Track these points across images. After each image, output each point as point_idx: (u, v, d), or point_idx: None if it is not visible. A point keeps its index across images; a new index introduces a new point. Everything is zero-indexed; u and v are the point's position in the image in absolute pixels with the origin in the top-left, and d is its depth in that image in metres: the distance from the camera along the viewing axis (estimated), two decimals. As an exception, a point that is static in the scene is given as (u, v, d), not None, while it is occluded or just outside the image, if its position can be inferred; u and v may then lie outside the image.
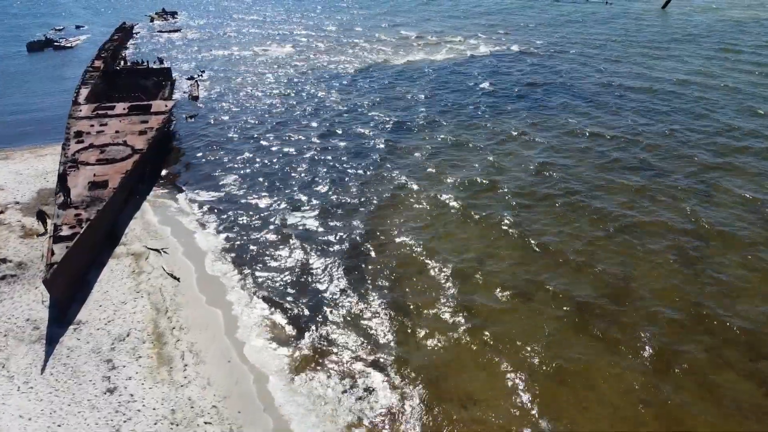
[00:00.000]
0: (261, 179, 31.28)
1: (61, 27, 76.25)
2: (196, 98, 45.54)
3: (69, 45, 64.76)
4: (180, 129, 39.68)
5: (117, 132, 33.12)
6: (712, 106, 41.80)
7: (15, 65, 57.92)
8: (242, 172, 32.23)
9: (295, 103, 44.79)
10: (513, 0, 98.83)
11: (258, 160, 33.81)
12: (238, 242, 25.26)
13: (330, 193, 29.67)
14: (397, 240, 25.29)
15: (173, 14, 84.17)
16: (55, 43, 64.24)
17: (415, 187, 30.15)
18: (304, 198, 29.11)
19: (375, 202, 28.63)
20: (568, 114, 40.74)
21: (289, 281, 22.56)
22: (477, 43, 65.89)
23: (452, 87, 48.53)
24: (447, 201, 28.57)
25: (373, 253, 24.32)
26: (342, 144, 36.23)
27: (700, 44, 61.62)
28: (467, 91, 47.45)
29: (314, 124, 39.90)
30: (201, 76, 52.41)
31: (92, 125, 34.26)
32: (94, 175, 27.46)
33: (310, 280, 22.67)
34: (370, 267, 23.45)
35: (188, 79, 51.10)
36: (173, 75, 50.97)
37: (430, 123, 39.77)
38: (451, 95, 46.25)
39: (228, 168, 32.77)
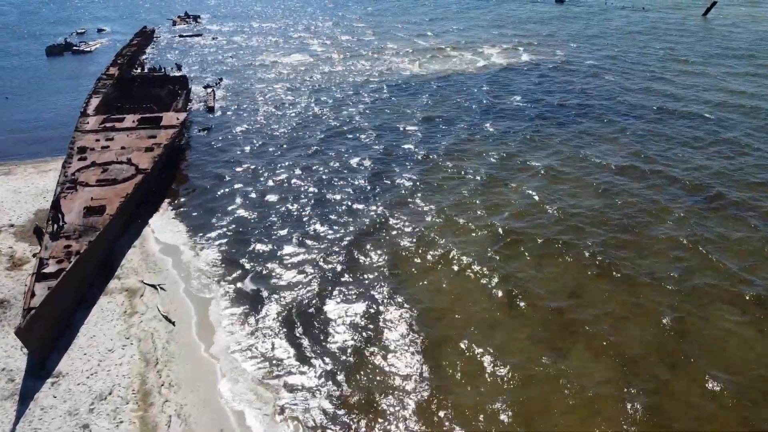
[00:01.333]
0: (277, 206, 28.67)
1: (83, 30, 75.34)
2: (211, 109, 43.52)
3: (88, 49, 63.55)
4: (192, 143, 37.64)
5: (122, 148, 31.15)
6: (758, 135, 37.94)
7: (32, 70, 56.77)
8: (256, 196, 29.75)
9: (313, 117, 42.41)
10: (546, 9, 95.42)
11: (273, 183, 31.30)
12: (248, 280, 22.84)
13: (351, 230, 26.99)
14: (423, 302, 22.70)
15: (196, 18, 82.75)
16: (74, 48, 63.07)
17: (438, 239, 27.51)
18: (322, 230, 26.50)
19: (399, 242, 25.96)
20: (595, 143, 37.49)
21: (305, 336, 19.93)
22: (512, 54, 62.92)
23: (482, 102, 45.76)
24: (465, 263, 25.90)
25: (397, 308, 21.76)
26: (362, 167, 33.70)
27: (743, 59, 57.57)
28: (491, 108, 44.63)
29: (333, 143, 37.39)
30: (218, 84, 50.48)
31: (98, 140, 32.35)
32: (92, 198, 25.41)
33: (330, 338, 19.92)
34: (399, 332, 20.86)
35: (205, 87, 49.19)
36: (189, 83, 49.27)
37: (467, 149, 36.98)
38: (480, 114, 43.47)
39: (241, 191, 30.35)
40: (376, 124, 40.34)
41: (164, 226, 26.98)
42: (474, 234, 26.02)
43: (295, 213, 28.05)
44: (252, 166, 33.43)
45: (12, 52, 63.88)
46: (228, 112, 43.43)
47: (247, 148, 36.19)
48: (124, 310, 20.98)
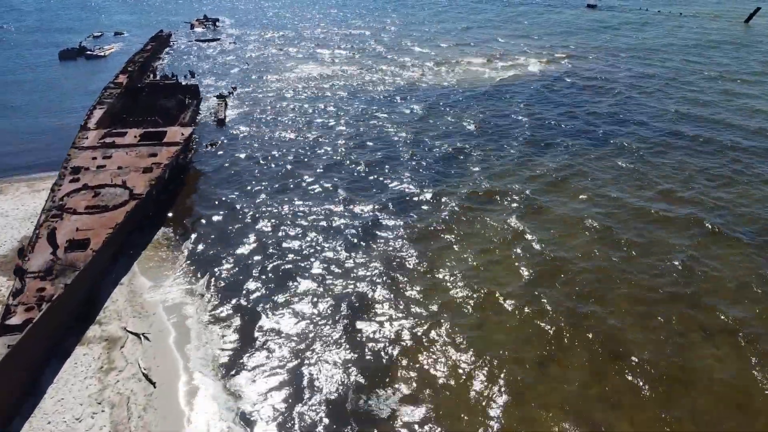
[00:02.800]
0: (289, 241, 25.82)
1: (100, 33, 73.81)
2: (221, 122, 41.07)
3: (102, 54, 61.80)
4: (198, 159, 35.16)
5: (119, 168, 28.72)
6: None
7: (43, 75, 55.08)
8: (265, 227, 26.97)
9: (330, 132, 39.70)
10: (578, 15, 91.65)
11: (285, 211, 28.44)
12: (249, 330, 20.12)
13: (367, 274, 24.31)
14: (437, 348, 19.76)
15: (215, 22, 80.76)
16: (87, 52, 61.33)
17: (466, 285, 24.52)
18: (339, 272, 23.80)
19: (412, 290, 23.15)
20: (620, 179, 34.15)
21: (315, 408, 17.23)
22: (544, 66, 59.59)
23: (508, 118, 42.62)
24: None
25: (407, 370, 18.88)
26: (381, 196, 30.88)
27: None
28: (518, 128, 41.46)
29: (351, 162, 34.65)
30: (231, 94, 48.08)
31: (94, 158, 29.98)
32: (77, 229, 22.94)
33: (354, 418, 17.20)
34: (411, 392, 17.98)
35: (217, 97, 46.80)
36: (201, 92, 46.96)
37: (495, 174, 34.04)
38: (510, 138, 40.35)
39: (248, 220, 27.63)
40: (402, 141, 37.47)
41: (158, 260, 24.41)
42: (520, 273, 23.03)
43: (310, 250, 25.19)
44: (262, 191, 30.68)
45: (27, 56, 62.47)
46: (239, 126, 40.90)
47: (258, 169, 33.44)
48: (100, 365, 18.41)
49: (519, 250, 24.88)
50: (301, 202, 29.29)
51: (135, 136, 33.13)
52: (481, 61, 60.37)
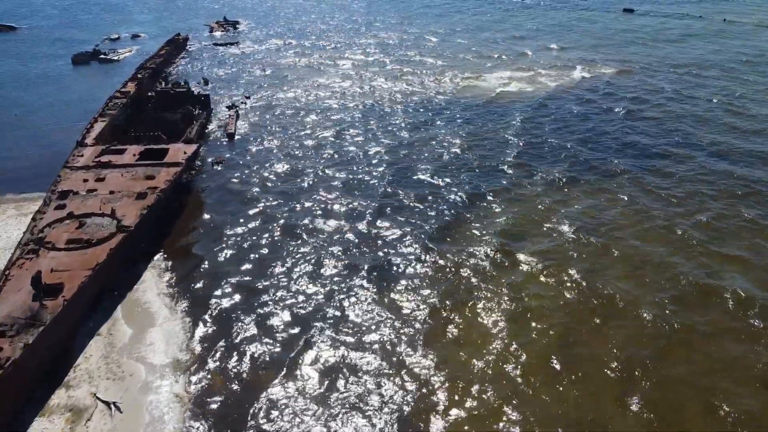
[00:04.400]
0: (299, 287, 22.70)
1: (117, 35, 71.91)
2: (231, 136, 38.30)
3: (116, 58, 59.74)
4: (203, 180, 32.42)
5: (111, 193, 26.06)
6: None
7: (54, 80, 53.08)
8: (273, 265, 23.88)
9: (349, 152, 36.60)
10: (614, 19, 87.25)
11: (294, 247, 25.30)
12: (245, 398, 17.23)
13: (384, 322, 21.23)
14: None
15: (235, 24, 78.34)
16: (101, 56, 59.27)
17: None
18: (350, 327, 20.75)
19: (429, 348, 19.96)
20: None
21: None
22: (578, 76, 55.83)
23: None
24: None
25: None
26: (398, 233, 27.75)
27: None
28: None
29: (372, 188, 31.49)
30: (245, 104, 45.36)
31: (86, 180, 27.40)
32: (52, 270, 20.22)
33: None
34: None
35: (228, 107, 44.11)
36: (214, 101, 44.45)
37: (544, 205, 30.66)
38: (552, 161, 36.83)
39: (255, 255, 24.63)
40: (437, 164, 34.20)
41: (145, 305, 21.57)
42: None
43: (321, 299, 22.20)
44: (271, 219, 27.59)
45: (40, 60, 60.65)
46: (250, 141, 38.04)
47: (267, 194, 30.30)
48: (59, 446, 15.62)
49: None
50: (314, 240, 26.14)
51: (134, 155, 30.54)
52: (509, 74, 56.80)
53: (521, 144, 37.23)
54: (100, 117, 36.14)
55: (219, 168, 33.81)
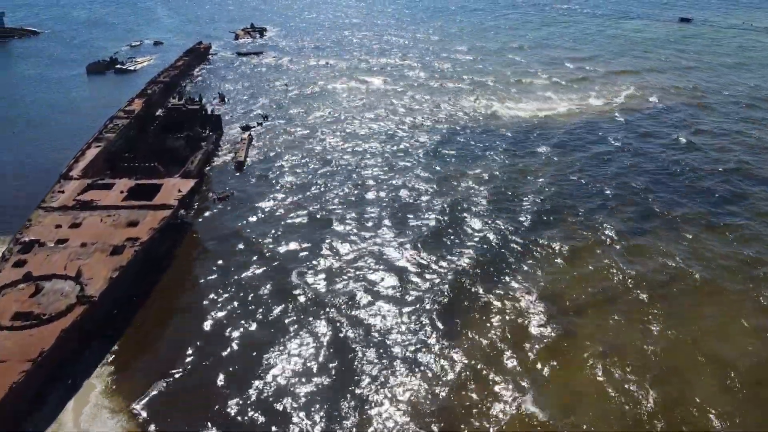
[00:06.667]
0: (309, 380, 18.38)
1: (139, 42, 68.91)
2: (240, 165, 34.13)
3: (132, 68, 56.45)
4: (200, 220, 28.26)
5: (83, 246, 22.04)
6: None
7: (64, 93, 49.96)
8: (275, 355, 19.37)
9: (373, 187, 31.97)
10: (670, 30, 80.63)
11: (302, 333, 20.63)
12: None
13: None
14: None
15: (261, 32, 74.58)
16: (117, 66, 56.05)
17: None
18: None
19: None
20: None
21: None
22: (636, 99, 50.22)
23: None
24: None
25: None
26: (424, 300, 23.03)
27: None
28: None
29: (395, 236, 26.94)
30: (261, 124, 41.20)
31: (59, 226, 23.49)
32: (-17, 361, 16.21)
33: None
34: None
35: (243, 128, 40.06)
36: (229, 119, 40.68)
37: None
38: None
39: (253, 340, 20.06)
40: (470, 213, 29.43)
41: (106, 399, 17.38)
42: None
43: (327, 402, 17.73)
44: (275, 283, 23.05)
45: (55, 68, 57.82)
46: (261, 171, 33.71)
47: (274, 246, 25.74)
48: None
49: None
50: (324, 320, 21.50)
51: (121, 191, 26.57)
52: (552, 95, 51.51)
53: (572, 182, 32.14)
54: (94, 142, 32.36)
55: (221, 205, 29.61)
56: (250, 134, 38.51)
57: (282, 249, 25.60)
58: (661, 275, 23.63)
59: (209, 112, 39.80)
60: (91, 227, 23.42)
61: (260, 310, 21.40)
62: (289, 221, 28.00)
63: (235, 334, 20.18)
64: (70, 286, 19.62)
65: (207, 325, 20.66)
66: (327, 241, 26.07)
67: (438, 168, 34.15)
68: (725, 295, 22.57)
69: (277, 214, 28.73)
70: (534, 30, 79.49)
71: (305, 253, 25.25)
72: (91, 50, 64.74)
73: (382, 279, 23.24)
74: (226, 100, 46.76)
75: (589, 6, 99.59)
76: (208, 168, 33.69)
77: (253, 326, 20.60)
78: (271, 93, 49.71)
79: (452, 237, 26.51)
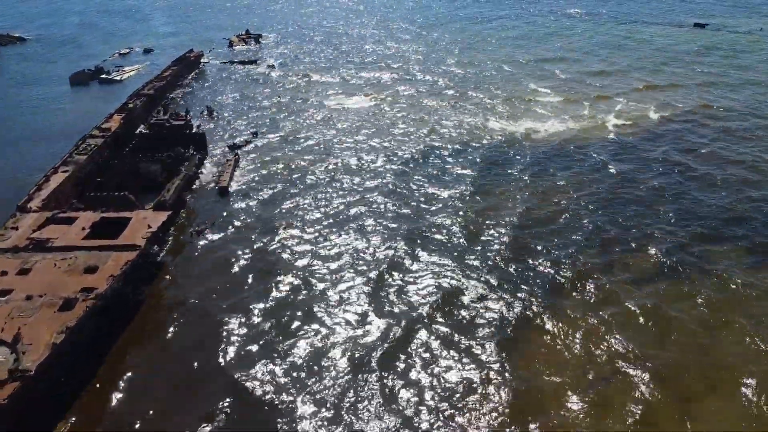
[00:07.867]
0: None
1: (128, 50, 65.86)
2: (224, 190, 31.03)
3: (118, 78, 53.39)
4: (171, 257, 25.14)
5: (27, 299, 18.92)
6: None
7: (44, 106, 46.93)
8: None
9: (378, 225, 28.74)
10: (685, 36, 77.39)
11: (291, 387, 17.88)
12: None
13: None
14: None
15: (257, 38, 71.42)
16: (102, 76, 53.02)
17: None
18: None
19: None
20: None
21: None
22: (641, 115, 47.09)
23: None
24: None
25: None
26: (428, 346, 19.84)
27: None
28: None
29: (397, 283, 23.78)
30: (251, 142, 38.10)
31: (4, 272, 20.37)
32: None
33: None
34: None
35: (230, 147, 36.99)
36: (216, 137, 37.74)
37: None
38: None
39: (230, 395, 17.24)
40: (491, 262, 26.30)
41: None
42: None
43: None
44: (258, 334, 20.16)
45: (39, 78, 54.94)
46: (248, 198, 30.57)
47: (259, 286, 22.65)
48: None
49: None
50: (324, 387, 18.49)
51: (83, 228, 23.48)
52: (564, 114, 48.40)
53: (597, 224, 28.98)
54: (62, 166, 29.25)
55: (198, 240, 26.48)
56: (236, 154, 35.37)
57: (266, 290, 22.49)
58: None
59: (195, 129, 36.77)
60: (42, 274, 20.30)
61: (240, 365, 18.25)
62: (270, 263, 24.69)
63: (214, 392, 17.04)
64: (3, 355, 16.48)
65: (177, 383, 17.56)
66: (318, 284, 22.92)
67: (458, 201, 30.99)
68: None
69: (259, 251, 25.54)
70: (538, 41, 76.24)
71: (295, 295, 22.13)
72: (78, 57, 61.87)
73: (378, 326, 20.07)
74: (214, 114, 43.62)
75: (604, 9, 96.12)
76: (188, 195, 30.57)
77: (236, 386, 17.46)
78: (263, 106, 46.57)
79: (470, 260, 23.32)
